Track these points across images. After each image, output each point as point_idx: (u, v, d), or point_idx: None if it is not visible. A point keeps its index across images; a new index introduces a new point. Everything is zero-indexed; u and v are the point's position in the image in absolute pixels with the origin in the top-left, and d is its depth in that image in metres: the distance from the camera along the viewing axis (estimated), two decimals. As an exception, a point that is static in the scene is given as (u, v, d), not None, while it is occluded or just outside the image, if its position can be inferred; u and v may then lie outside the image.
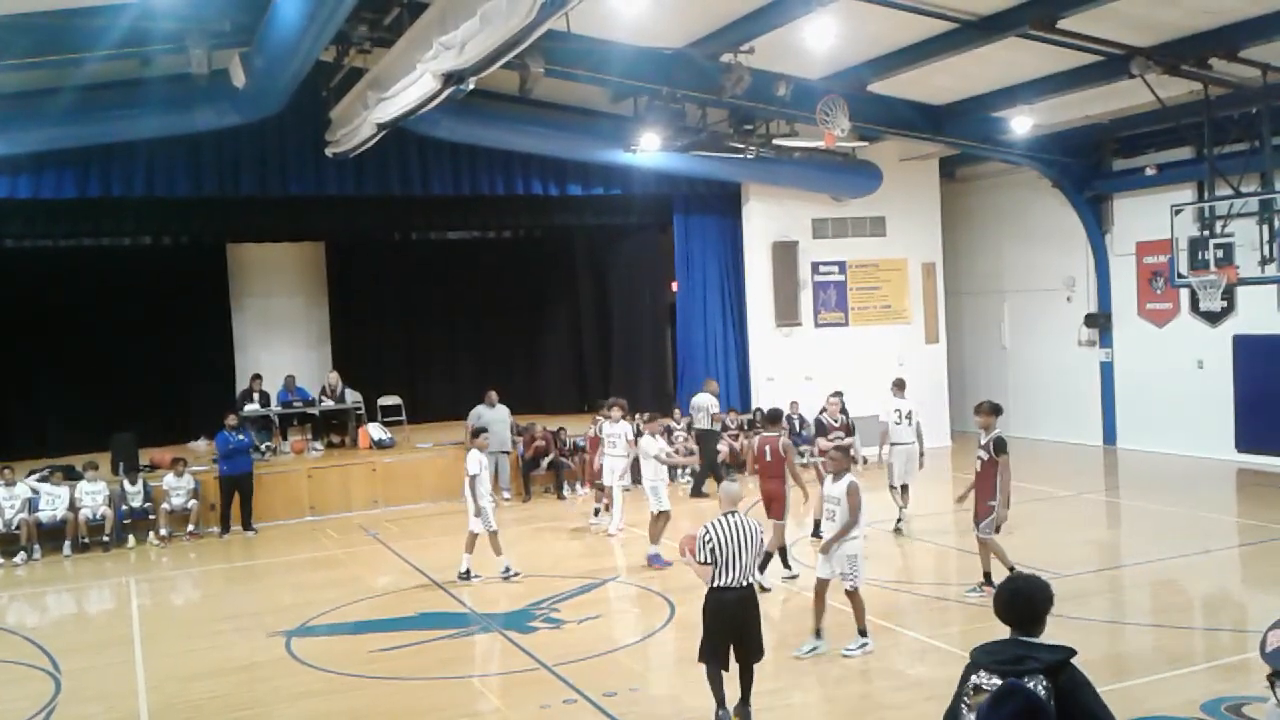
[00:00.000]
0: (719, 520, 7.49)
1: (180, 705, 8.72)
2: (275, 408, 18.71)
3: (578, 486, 17.61)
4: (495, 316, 21.65)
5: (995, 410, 10.61)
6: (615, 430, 14.25)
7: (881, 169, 19.95)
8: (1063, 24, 13.03)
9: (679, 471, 16.61)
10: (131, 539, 15.21)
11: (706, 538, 7.42)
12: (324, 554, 14.31)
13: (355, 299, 21.07)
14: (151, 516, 15.42)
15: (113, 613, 12.27)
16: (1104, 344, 19.81)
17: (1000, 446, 10.26)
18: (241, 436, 15.88)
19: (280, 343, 21.06)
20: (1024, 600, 3.82)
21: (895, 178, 20.21)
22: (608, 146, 17.65)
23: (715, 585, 7.43)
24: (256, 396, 18.55)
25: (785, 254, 20.05)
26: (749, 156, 17.47)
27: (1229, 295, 16.72)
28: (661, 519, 12.72)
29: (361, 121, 13.84)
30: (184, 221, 18.29)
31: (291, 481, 16.80)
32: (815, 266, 20.33)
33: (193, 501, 15.49)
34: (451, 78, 10.64)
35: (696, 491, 16.85)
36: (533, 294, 22.26)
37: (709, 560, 7.40)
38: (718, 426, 17.67)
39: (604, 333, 22.27)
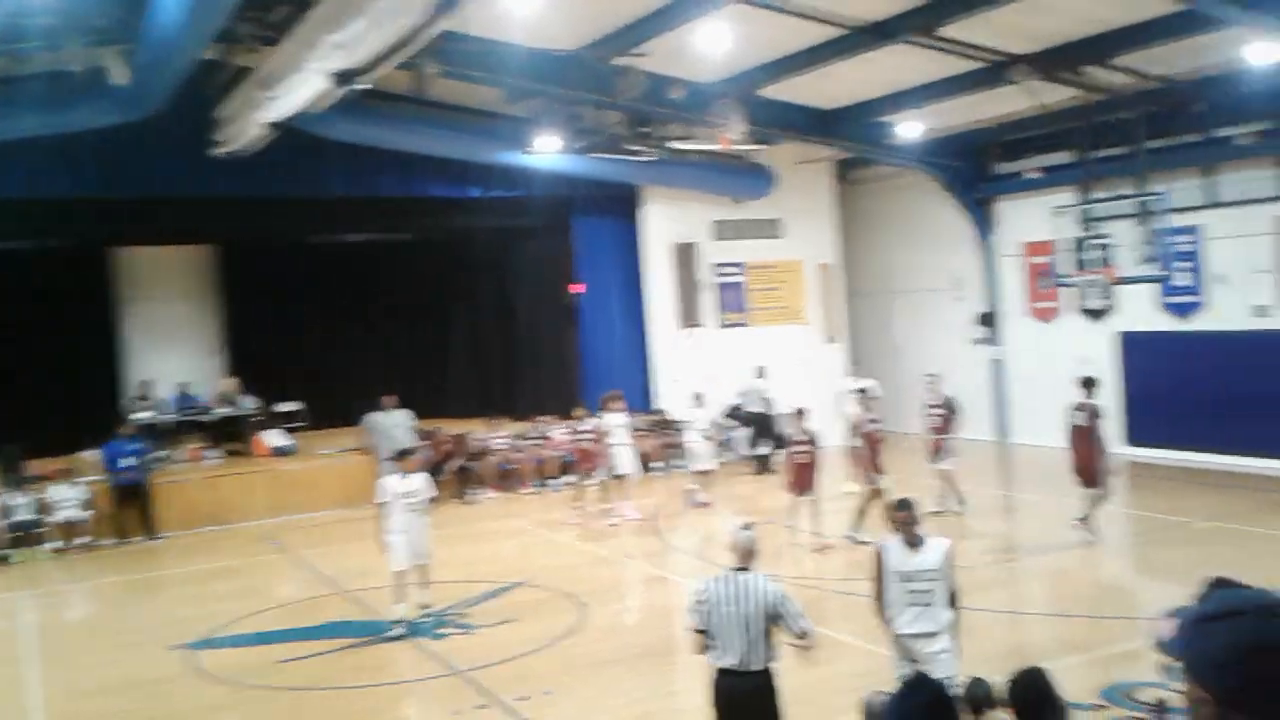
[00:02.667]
0: (723, 578, 5.96)
1: (78, 725, 8.48)
2: (168, 415, 18.22)
3: (483, 490, 17.53)
4: (395, 320, 21.38)
5: None
6: (618, 421, 15.19)
7: (777, 172, 20.30)
8: (946, 32, 13.48)
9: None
10: (15, 555, 14.65)
11: (701, 598, 5.90)
12: (225, 564, 14.00)
13: (249, 303, 20.56)
14: (41, 529, 14.88)
15: (1, 630, 11.82)
16: (994, 341, 20.48)
17: None
18: (134, 445, 15.44)
19: (172, 349, 20.45)
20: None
21: (791, 180, 20.59)
22: (506, 148, 17.62)
23: (717, 665, 5.89)
24: (146, 404, 18.02)
25: (685, 255, 20.28)
26: (646, 159, 17.63)
27: (1111, 294, 17.44)
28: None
29: (250, 121, 13.58)
30: (65, 224, 17.60)
31: (188, 491, 16.37)
32: (715, 267, 20.60)
33: (86, 512, 15.00)
34: (342, 77, 10.53)
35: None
36: (434, 297, 22.03)
37: (699, 627, 5.89)
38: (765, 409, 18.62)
39: (507, 336, 22.17)
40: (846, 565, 12.40)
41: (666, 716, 7.79)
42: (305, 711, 8.57)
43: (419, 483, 10.80)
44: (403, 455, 11.35)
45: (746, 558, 6.00)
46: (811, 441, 12.86)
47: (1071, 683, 7.10)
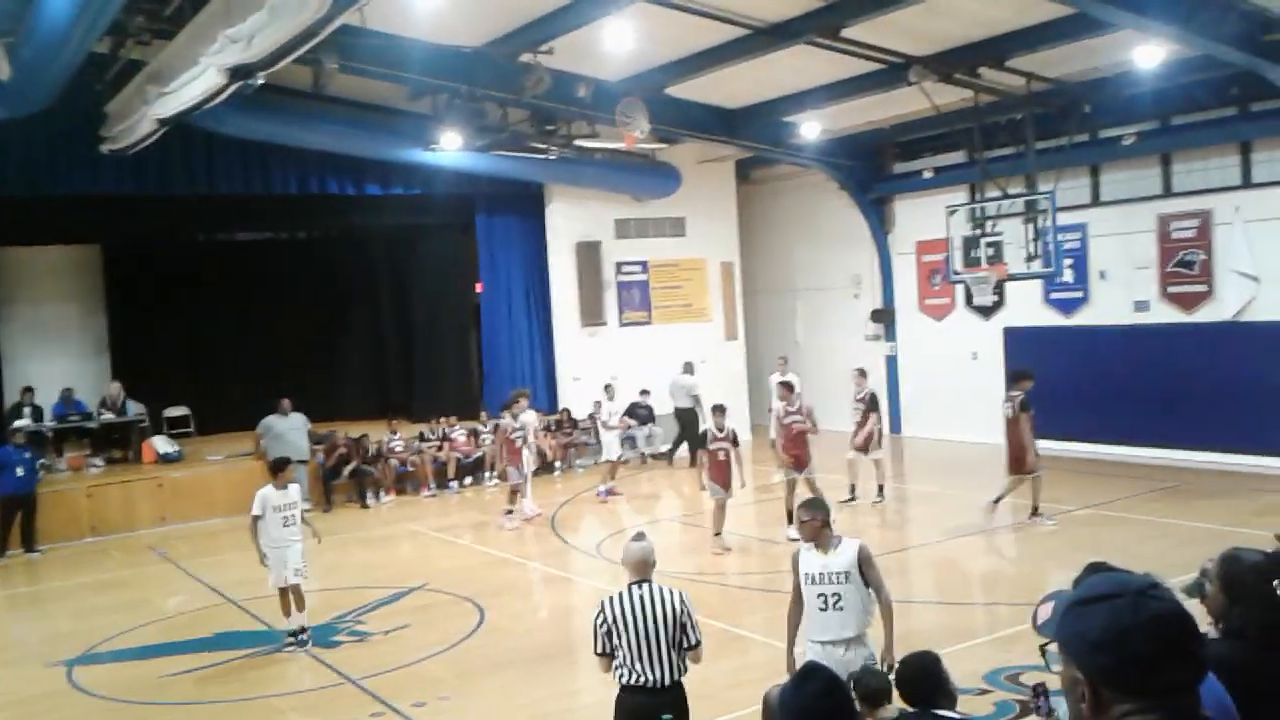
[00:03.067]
0: (620, 595, 5.66)
1: (-55, 748, 8.05)
2: (49, 422, 17.49)
3: (380, 494, 17.20)
4: (290, 321, 20.79)
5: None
6: (526, 420, 15.15)
7: (680, 170, 20.37)
8: (847, 33, 13.65)
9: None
10: (-117, 570, 13.91)
11: (600, 620, 5.60)
12: (108, 576, 13.46)
13: (137, 305, 19.81)
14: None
15: None
16: (889, 338, 20.86)
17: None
18: (25, 454, 14.80)
19: (54, 353, 19.61)
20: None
21: (694, 179, 20.68)
22: (407, 145, 17.31)
23: (625, 683, 5.59)
24: (28, 411, 17.27)
25: (589, 254, 20.20)
26: (551, 157, 17.52)
27: (999, 290, 17.90)
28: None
29: (140, 117, 13.10)
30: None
31: (70, 500, 15.70)
32: (619, 266, 20.57)
33: (-45, 526, 14.28)
34: (238, 72, 10.21)
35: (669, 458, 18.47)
36: (330, 297, 21.53)
37: (605, 650, 5.62)
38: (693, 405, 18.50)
39: (406, 336, 21.82)
40: (755, 561, 12.49)
41: (566, 717, 7.69)
42: (191, 726, 8.25)
43: (295, 495, 10.10)
44: (281, 465, 10.19)
45: (643, 569, 5.72)
46: (731, 439, 12.67)
47: (956, 668, 7.22)
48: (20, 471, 14.61)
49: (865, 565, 6.22)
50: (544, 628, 10.37)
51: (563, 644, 9.97)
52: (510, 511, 14.82)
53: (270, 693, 8.84)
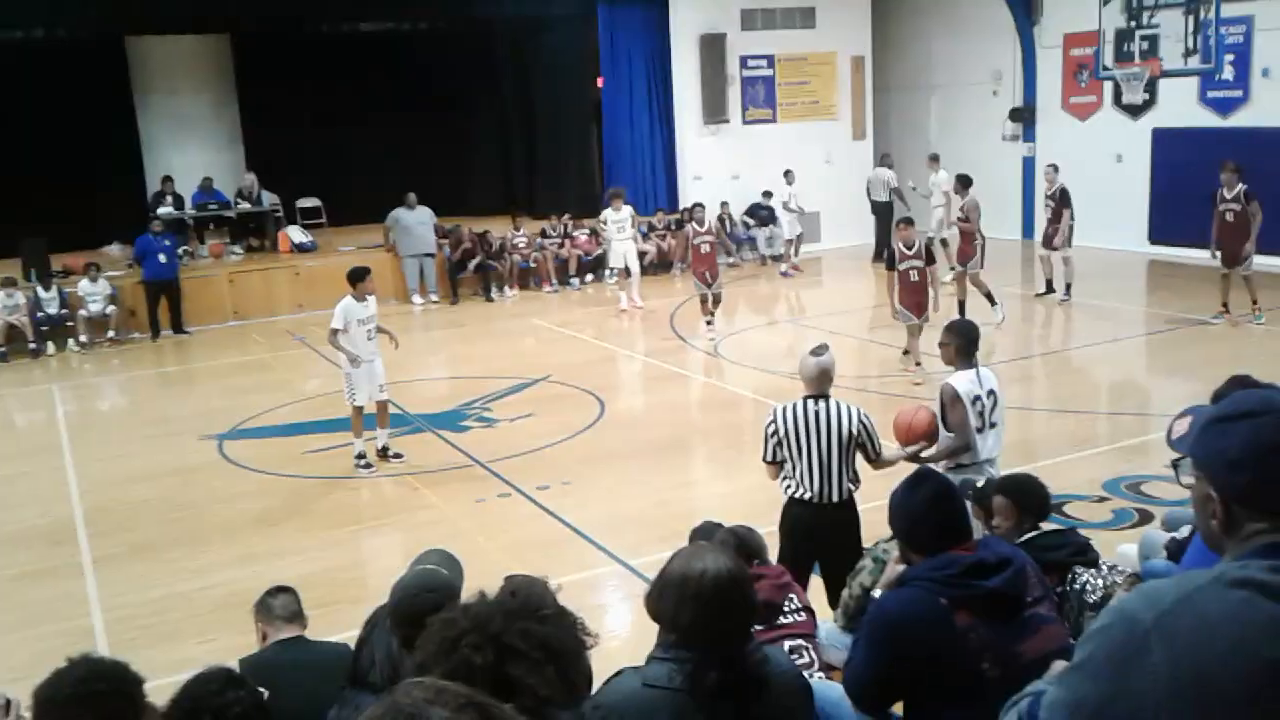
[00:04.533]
0: (794, 407, 5.40)
1: (115, 508, 8.80)
2: (190, 211, 18.16)
3: (505, 289, 17.55)
4: (414, 114, 20.79)
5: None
6: (620, 216, 15.75)
7: (812, -44, 19.28)
8: None
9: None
10: (51, 346, 14.95)
11: (772, 430, 5.40)
12: (251, 358, 14.22)
13: (266, 97, 20.06)
14: (70, 323, 15.11)
15: (40, 420, 12.18)
16: (1027, 138, 19.88)
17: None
18: (167, 241, 15.53)
19: (191, 143, 20.18)
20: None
21: (825, -35, 19.58)
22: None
23: (793, 495, 5.43)
24: (169, 199, 17.94)
25: (713, 47, 19.50)
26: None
27: (1151, 88, 16.77)
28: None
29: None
30: (76, 11, 17.13)
31: (213, 286, 16.49)
32: (744, 61, 19.85)
33: (111, 307, 15.17)
34: None
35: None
36: (453, 90, 21.40)
37: (775, 458, 5.43)
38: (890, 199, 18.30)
39: (528, 131, 21.70)
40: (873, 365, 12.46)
41: (683, 504, 7.96)
42: (333, 498, 8.84)
43: (374, 306, 9.41)
44: (360, 274, 9.32)
45: (822, 383, 5.41)
46: (923, 255, 11.03)
47: (1076, 475, 7.23)
48: (163, 258, 15.35)
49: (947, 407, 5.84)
50: (662, 422, 10.63)
51: (680, 438, 10.22)
52: (710, 322, 13.91)
53: (402, 471, 9.36)
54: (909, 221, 11.58)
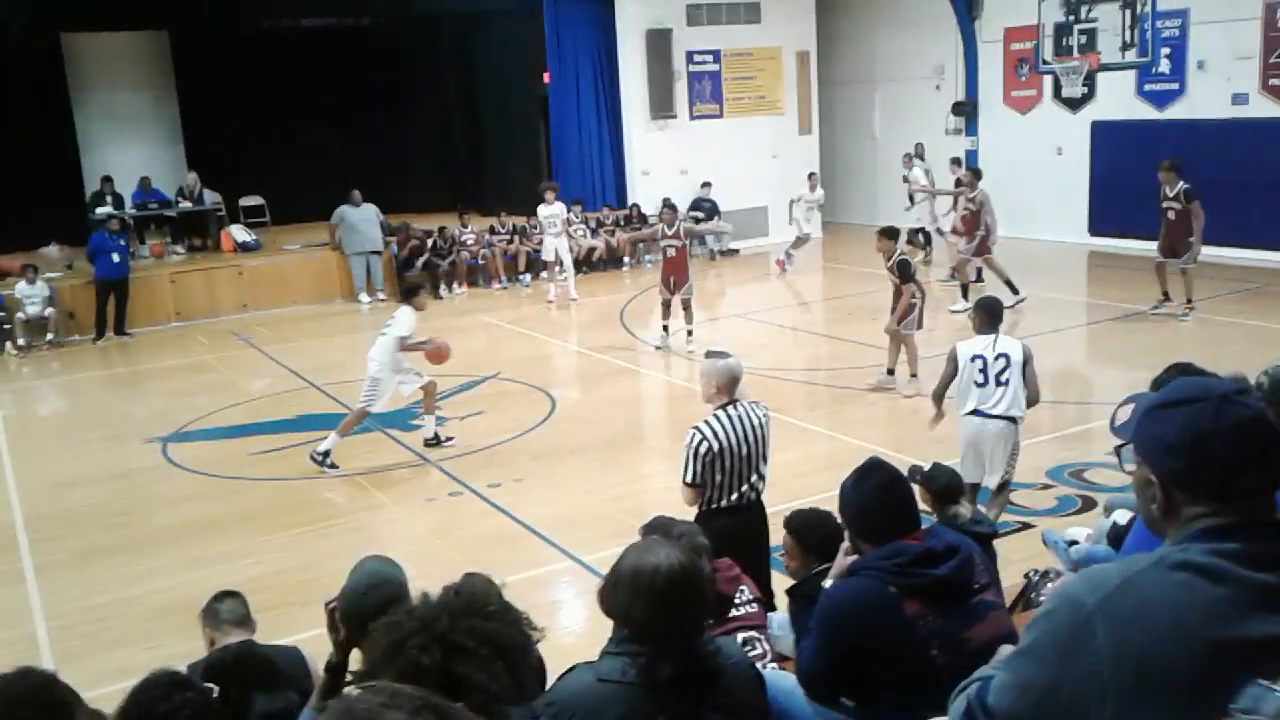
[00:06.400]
0: (717, 420, 5.19)
1: (55, 514, 8.63)
2: (130, 210, 17.83)
3: (455, 286, 17.43)
4: (359, 111, 20.61)
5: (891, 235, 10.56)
6: (551, 212, 15.93)
7: (756, -49, 19.36)
8: None
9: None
10: (-15, 352, 14.63)
11: (705, 449, 5.11)
12: (195, 359, 14.00)
13: (207, 94, 19.76)
14: (7, 326, 14.77)
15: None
16: (969, 132, 20.13)
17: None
18: (121, 240, 15.27)
19: (130, 141, 19.84)
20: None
21: (769, -40, 19.67)
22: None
23: (718, 507, 5.23)
24: (109, 199, 17.60)
25: (659, 43, 19.51)
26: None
27: (1090, 81, 17.07)
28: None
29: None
30: (7, 4, 16.72)
31: (154, 286, 16.19)
32: (690, 56, 19.89)
33: (49, 310, 14.86)
34: None
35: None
36: (398, 86, 21.23)
37: (697, 482, 5.17)
38: None
39: (474, 127, 21.57)
40: (825, 358, 12.56)
41: (635, 500, 7.96)
42: (281, 500, 8.73)
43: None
44: (415, 289, 9.76)
45: (735, 386, 5.27)
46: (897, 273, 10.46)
47: (1021, 463, 7.33)
48: (116, 258, 15.07)
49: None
50: (613, 418, 10.61)
51: (632, 433, 10.25)
52: (687, 332, 13.05)
53: (350, 471, 9.27)
54: (893, 232, 10.71)
